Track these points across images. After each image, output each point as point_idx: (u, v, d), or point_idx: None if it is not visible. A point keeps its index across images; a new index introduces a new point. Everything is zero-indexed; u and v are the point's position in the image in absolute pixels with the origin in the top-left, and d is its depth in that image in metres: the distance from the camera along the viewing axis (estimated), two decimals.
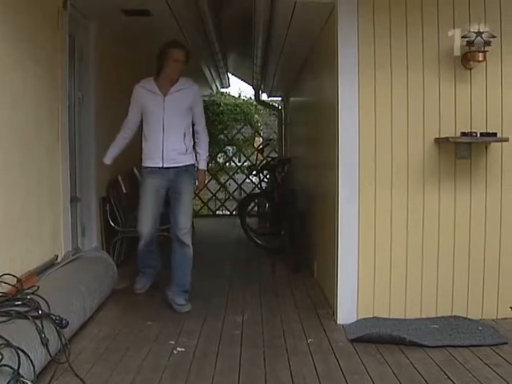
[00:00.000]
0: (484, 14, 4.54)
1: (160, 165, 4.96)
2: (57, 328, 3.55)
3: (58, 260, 4.80)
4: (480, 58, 4.45)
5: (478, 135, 4.43)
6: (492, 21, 4.53)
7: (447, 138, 4.45)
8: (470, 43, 4.42)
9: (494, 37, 4.41)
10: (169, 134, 4.93)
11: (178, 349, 4.03)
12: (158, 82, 5.00)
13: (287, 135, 11.92)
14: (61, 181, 5.02)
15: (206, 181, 6.58)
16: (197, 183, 5.25)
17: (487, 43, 4.41)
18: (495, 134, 4.46)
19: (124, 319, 4.67)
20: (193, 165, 5.10)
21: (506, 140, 4.47)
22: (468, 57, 4.48)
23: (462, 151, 4.55)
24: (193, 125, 5.11)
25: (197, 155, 5.13)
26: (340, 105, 4.50)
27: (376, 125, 4.52)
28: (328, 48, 4.94)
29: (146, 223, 5.07)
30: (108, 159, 5.18)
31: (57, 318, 3.56)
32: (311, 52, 6.30)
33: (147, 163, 5.03)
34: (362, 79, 4.49)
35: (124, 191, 6.60)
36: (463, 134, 4.45)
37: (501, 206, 4.62)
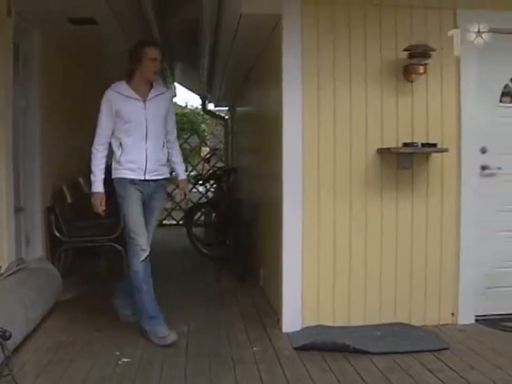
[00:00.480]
0: (425, 27, 4.68)
1: (143, 178, 4.52)
2: (0, 340, 3.48)
3: (2, 270, 4.70)
4: (421, 71, 4.56)
5: (419, 145, 4.53)
6: (433, 35, 4.66)
7: (389, 149, 4.55)
8: (411, 56, 4.53)
9: (433, 50, 4.53)
10: (152, 143, 4.54)
11: (123, 359, 4.00)
12: (132, 86, 4.53)
13: (233, 144, 11.95)
14: (5, 190, 4.90)
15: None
16: (181, 194, 5.16)
17: (428, 56, 4.52)
18: (435, 145, 4.57)
19: (69, 330, 4.60)
20: (167, 178, 4.83)
21: (446, 150, 4.60)
22: (409, 69, 4.59)
23: (404, 162, 4.65)
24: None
25: (174, 165, 4.88)
26: (284, 115, 4.55)
27: (319, 135, 4.58)
28: (273, 59, 5.00)
29: (144, 234, 4.52)
30: (100, 187, 4.54)
31: (0, 329, 3.49)
32: (256, 62, 6.34)
33: (128, 174, 4.51)
34: (306, 90, 4.54)
35: (69, 201, 6.51)
36: (405, 144, 4.54)
37: (441, 214, 4.74)
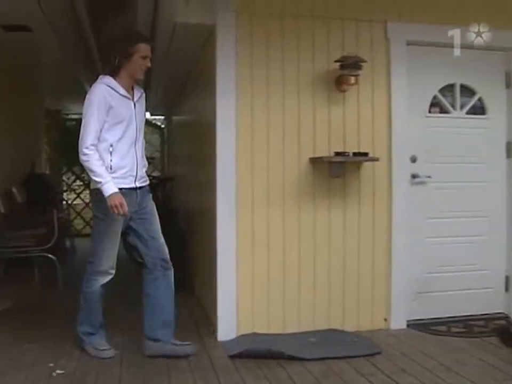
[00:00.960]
0: (356, 39, 4.78)
1: (133, 185, 4.16)
2: None
3: None
4: (352, 82, 4.65)
5: (351, 155, 4.62)
6: (364, 46, 4.77)
7: (321, 158, 4.61)
8: (343, 67, 4.61)
9: (364, 61, 4.62)
10: (140, 147, 4.23)
11: (57, 371, 3.91)
12: (120, 83, 4.10)
13: (169, 153, 11.89)
14: None
15: None
16: None
17: (359, 67, 4.61)
18: (366, 154, 4.67)
19: (0, 343, 4.50)
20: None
21: (377, 159, 4.70)
22: (341, 80, 4.68)
23: (336, 170, 4.72)
24: None
25: None
26: (218, 124, 4.57)
27: (253, 145, 4.61)
28: (207, 68, 5.01)
29: (114, 259, 4.28)
30: (115, 187, 3.98)
31: None
32: (192, 71, 6.34)
33: (119, 183, 4.03)
34: (239, 100, 4.57)
35: (1, 211, 6.37)
36: (337, 154, 4.62)
37: (373, 221, 4.84)
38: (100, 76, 4.14)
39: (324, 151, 4.68)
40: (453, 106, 5.19)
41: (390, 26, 4.85)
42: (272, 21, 4.65)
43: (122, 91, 4.08)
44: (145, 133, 4.39)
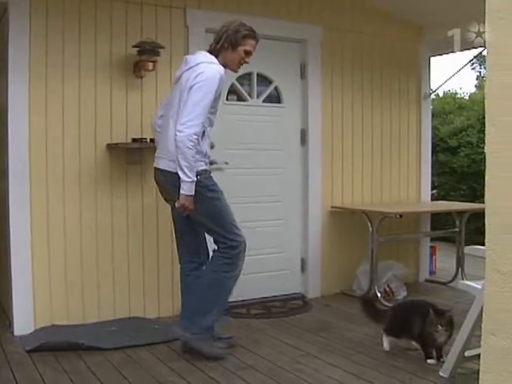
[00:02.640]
0: (155, 24, 4.76)
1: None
2: None
3: None
4: (150, 67, 4.62)
5: (148, 140, 4.59)
6: (163, 32, 4.77)
7: (117, 144, 4.55)
8: (140, 52, 4.57)
9: (162, 47, 4.62)
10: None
11: None
12: None
13: None
14: None
15: None
16: None
17: (157, 53, 4.60)
18: None
19: None
20: None
21: None
22: (139, 66, 4.63)
23: (134, 156, 4.69)
24: None
25: None
26: (10, 108, 4.32)
27: (47, 130, 4.43)
28: (1, 49, 4.75)
29: None
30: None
31: None
32: None
33: (205, 166, 3.88)
34: (33, 84, 4.36)
35: None
36: (134, 140, 4.58)
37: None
38: (204, 53, 3.89)
39: (121, 138, 4.62)
40: (250, 94, 5.34)
41: (190, 12, 4.90)
42: (69, 2, 4.48)
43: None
44: None
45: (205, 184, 3.83)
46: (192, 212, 3.80)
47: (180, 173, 3.67)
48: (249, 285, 5.16)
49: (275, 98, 5.49)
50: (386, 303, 5.22)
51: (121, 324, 4.56)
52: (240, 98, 5.31)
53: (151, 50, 4.57)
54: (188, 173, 3.66)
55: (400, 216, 5.46)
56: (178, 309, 4.82)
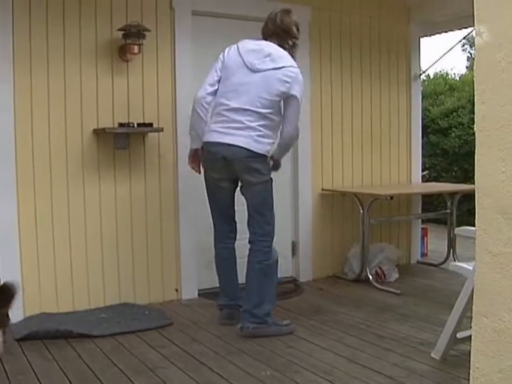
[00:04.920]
0: (140, 7, 4.69)
1: None
2: None
3: None
4: (136, 51, 4.56)
5: (135, 125, 4.54)
6: (148, 15, 4.70)
7: (104, 129, 4.49)
8: (126, 36, 4.50)
9: (148, 30, 4.55)
10: None
11: None
12: None
13: None
14: None
15: None
16: None
17: (142, 36, 4.53)
18: (151, 125, 4.63)
19: None
20: None
21: (161, 130, 4.68)
22: (125, 49, 4.57)
23: (121, 142, 4.63)
24: None
25: None
26: None
27: (33, 117, 4.34)
28: None
29: None
30: None
31: None
32: None
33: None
34: (18, 69, 4.26)
35: None
36: (121, 124, 4.53)
37: (160, 191, 4.84)
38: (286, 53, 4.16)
39: (108, 122, 4.56)
40: None
41: None
42: None
43: None
44: None
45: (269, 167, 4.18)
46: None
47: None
48: (239, 269, 5.14)
49: None
50: (378, 285, 5.22)
51: (111, 311, 4.52)
52: None
53: (137, 33, 4.49)
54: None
55: (391, 198, 5.45)
56: (170, 294, 4.89)
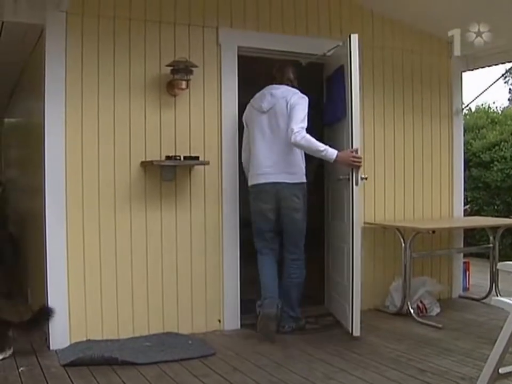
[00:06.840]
0: (188, 43, 4.84)
1: None
2: None
3: None
4: (183, 86, 4.69)
5: (182, 158, 4.65)
6: (196, 51, 4.85)
7: (151, 161, 4.61)
8: (174, 71, 4.64)
9: (195, 66, 4.68)
10: None
11: None
12: None
13: (1, 158, 11.38)
14: None
15: None
16: None
17: (190, 72, 4.66)
18: (197, 158, 4.73)
19: None
20: None
21: (208, 163, 4.79)
22: (172, 84, 4.71)
23: (167, 174, 4.74)
24: None
25: None
26: (47, 127, 4.41)
27: (83, 149, 4.51)
28: (37, 70, 4.84)
29: None
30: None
31: None
32: (23, 73, 6.12)
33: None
34: (69, 103, 4.45)
35: None
36: (168, 157, 4.64)
37: (204, 223, 4.92)
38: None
39: (155, 155, 4.68)
40: None
41: (222, 31, 4.96)
42: (103, 22, 4.58)
43: None
44: None
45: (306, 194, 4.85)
46: (360, 159, 4.69)
47: (321, 155, 4.64)
48: None
49: None
50: (419, 319, 5.20)
51: (155, 339, 4.59)
52: None
53: (185, 69, 4.64)
54: (320, 148, 4.59)
55: (433, 232, 5.44)
56: (213, 325, 4.95)
